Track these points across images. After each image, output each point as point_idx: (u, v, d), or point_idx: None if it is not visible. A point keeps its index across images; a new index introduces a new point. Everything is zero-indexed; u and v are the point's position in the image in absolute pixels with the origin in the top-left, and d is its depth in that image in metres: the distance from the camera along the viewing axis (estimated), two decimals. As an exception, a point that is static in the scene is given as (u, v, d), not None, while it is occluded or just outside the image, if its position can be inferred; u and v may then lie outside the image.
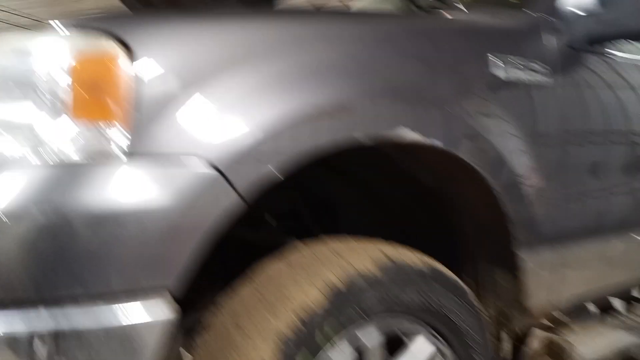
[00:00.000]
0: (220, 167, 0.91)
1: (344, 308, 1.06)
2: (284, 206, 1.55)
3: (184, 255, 0.90)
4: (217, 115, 0.94)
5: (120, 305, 0.85)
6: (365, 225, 1.54)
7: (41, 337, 0.80)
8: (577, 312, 1.65)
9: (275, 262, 1.16)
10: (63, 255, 0.83)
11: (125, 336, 0.85)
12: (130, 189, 0.86)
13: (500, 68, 1.36)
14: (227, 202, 0.92)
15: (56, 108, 0.87)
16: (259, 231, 1.52)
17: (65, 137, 0.87)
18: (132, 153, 0.89)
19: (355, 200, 1.59)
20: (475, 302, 1.30)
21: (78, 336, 0.82)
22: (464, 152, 1.27)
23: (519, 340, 1.53)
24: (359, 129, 1.09)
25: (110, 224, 0.85)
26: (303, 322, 1.01)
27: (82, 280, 0.84)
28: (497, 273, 1.49)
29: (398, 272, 1.14)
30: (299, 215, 1.57)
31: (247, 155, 0.94)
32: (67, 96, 0.87)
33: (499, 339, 1.49)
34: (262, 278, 1.12)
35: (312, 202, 1.58)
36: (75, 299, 0.83)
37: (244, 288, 1.12)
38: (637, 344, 1.64)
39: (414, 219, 1.56)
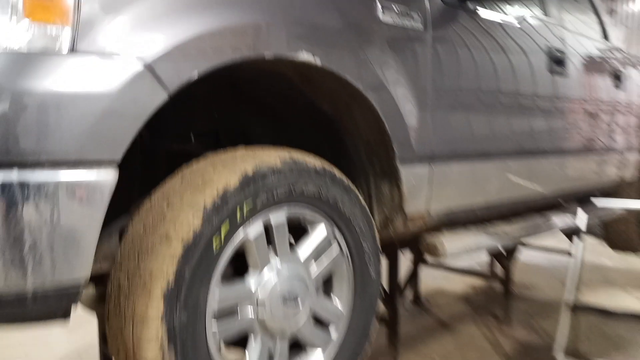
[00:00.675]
0: (150, 64, 1.15)
1: (257, 192, 1.33)
2: (206, 127, 1.79)
3: (121, 135, 1.13)
4: (149, 23, 1.17)
5: (75, 170, 1.08)
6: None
7: (11, 186, 1.01)
8: (449, 221, 2.03)
9: (199, 161, 1.40)
10: (30, 128, 1.03)
11: (78, 191, 1.07)
12: (73, 77, 1.07)
13: (385, 13, 1.67)
14: (154, 93, 1.16)
15: (9, 9, 1.06)
16: (185, 146, 1.76)
17: (18, 34, 1.06)
18: (76, 49, 1.10)
19: (267, 126, 1.86)
20: (362, 199, 1.61)
21: (39, 188, 1.04)
22: (355, 79, 1.57)
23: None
24: (267, 48, 1.35)
25: (58, 105, 1.05)
26: (223, 199, 1.27)
27: (44, 150, 1.05)
28: (383, 185, 1.81)
29: (298, 167, 1.42)
30: (219, 137, 1.82)
31: (171, 56, 1.17)
32: (19, -1, 1.06)
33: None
34: (188, 171, 1.36)
35: (230, 127, 1.84)
36: (41, 164, 1.05)
37: (173, 178, 1.36)
38: (491, 244, 2.06)
39: (317, 143, 1.85)
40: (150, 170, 1.68)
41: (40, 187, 1.04)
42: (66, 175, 1.07)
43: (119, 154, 1.13)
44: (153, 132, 1.64)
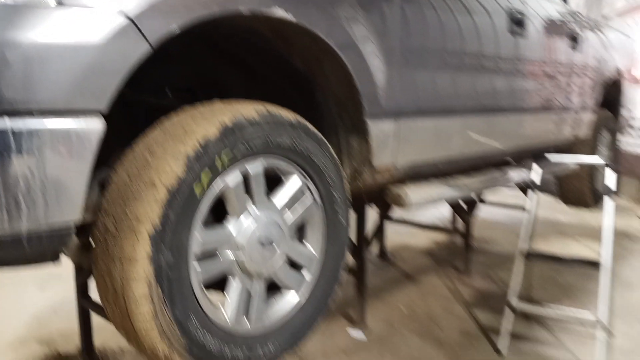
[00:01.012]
0: (132, 17, 1.20)
1: (235, 142, 1.41)
2: (182, 82, 1.84)
3: (106, 85, 1.19)
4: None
5: (64, 118, 1.14)
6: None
7: (3, 133, 1.07)
8: (414, 174, 2.15)
9: (179, 113, 1.46)
10: (19, 78, 1.08)
11: (67, 138, 1.14)
12: (60, 29, 1.12)
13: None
14: (137, 45, 1.22)
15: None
16: (163, 100, 1.81)
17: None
18: (62, 2, 1.14)
19: (241, 82, 1.92)
20: (333, 152, 1.70)
21: (30, 135, 1.09)
22: (327, 36, 1.64)
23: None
24: (243, 3, 1.41)
25: (47, 56, 1.10)
26: (204, 149, 1.34)
27: (33, 99, 1.10)
28: (352, 139, 1.91)
29: (274, 120, 1.50)
30: (194, 92, 1.87)
31: (153, 10, 1.23)
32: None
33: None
34: (169, 122, 1.42)
35: (205, 82, 1.89)
36: (31, 113, 1.10)
37: (153, 130, 1.42)
38: (452, 195, 2.19)
39: (290, 99, 1.92)
40: (129, 124, 1.73)
41: (31, 134, 1.09)
42: (56, 123, 1.13)
43: (105, 104, 1.19)
44: (131, 86, 1.69)
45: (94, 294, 2.34)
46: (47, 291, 3.22)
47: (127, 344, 2.49)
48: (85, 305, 2.37)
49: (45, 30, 1.11)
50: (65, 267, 3.62)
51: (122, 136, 1.62)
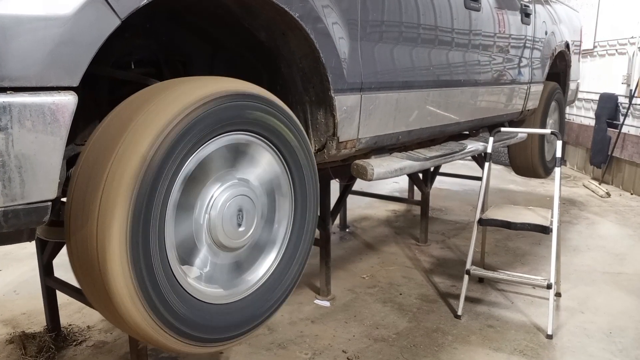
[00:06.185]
0: None
1: (209, 116, 1.41)
2: (146, 56, 1.83)
3: (78, 60, 1.17)
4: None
5: (37, 95, 1.12)
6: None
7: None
8: (376, 146, 2.21)
9: (151, 86, 1.45)
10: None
11: (40, 115, 1.13)
12: (29, 2, 1.10)
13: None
14: (107, 18, 1.20)
15: None
16: (127, 73, 1.79)
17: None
18: None
19: (207, 55, 1.92)
20: (301, 126, 1.73)
21: (3, 112, 1.08)
22: (292, 9, 1.65)
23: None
24: None
25: (17, 30, 1.09)
26: (181, 121, 1.34)
27: (7, 76, 1.09)
28: (318, 113, 1.94)
29: (247, 96, 1.51)
30: (159, 65, 1.86)
31: None
32: None
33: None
34: (156, 87, 1.41)
35: (170, 55, 1.88)
36: (4, 90, 1.09)
37: (145, 90, 1.40)
38: (413, 165, 2.27)
39: (255, 73, 1.94)
40: (94, 97, 1.70)
41: (4, 111, 1.08)
42: (28, 100, 1.11)
43: (77, 79, 1.18)
44: (95, 60, 1.68)
45: (58, 272, 2.33)
46: (5, 272, 3.16)
47: (92, 321, 2.51)
48: (50, 284, 2.35)
49: (15, 3, 1.09)
50: (21, 247, 3.55)
51: (85, 109, 1.60)
